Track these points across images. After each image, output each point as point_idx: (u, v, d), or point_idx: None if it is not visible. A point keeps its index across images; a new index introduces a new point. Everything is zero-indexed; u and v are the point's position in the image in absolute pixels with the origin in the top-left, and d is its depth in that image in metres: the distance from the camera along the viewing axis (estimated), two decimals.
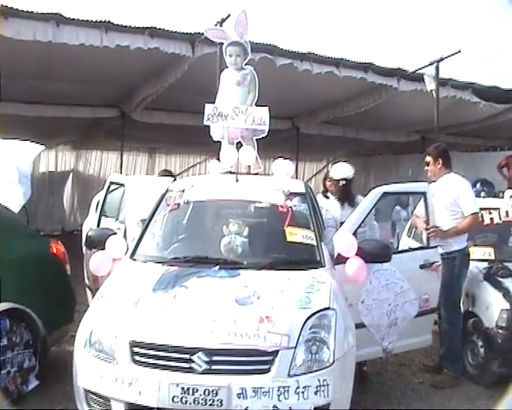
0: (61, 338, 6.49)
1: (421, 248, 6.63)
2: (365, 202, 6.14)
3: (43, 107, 13.52)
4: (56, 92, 12.56)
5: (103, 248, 5.62)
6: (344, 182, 6.99)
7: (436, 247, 6.40)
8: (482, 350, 6.50)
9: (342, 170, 7.12)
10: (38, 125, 14.09)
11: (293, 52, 11.35)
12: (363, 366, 6.38)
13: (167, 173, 9.52)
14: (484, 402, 6.09)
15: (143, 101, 13.37)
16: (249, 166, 6.51)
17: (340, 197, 7.01)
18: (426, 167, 7.01)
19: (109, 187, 7.81)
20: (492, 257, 7.19)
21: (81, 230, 10.88)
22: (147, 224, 5.80)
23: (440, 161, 6.87)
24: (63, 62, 10.47)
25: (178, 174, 20.18)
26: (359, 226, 5.97)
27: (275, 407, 4.07)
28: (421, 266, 6.20)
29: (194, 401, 4.04)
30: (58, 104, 13.67)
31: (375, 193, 6.15)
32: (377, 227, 7.13)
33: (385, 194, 6.25)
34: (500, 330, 6.27)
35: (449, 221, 6.55)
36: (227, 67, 6.57)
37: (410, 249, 7.28)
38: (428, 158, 6.96)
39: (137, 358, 4.27)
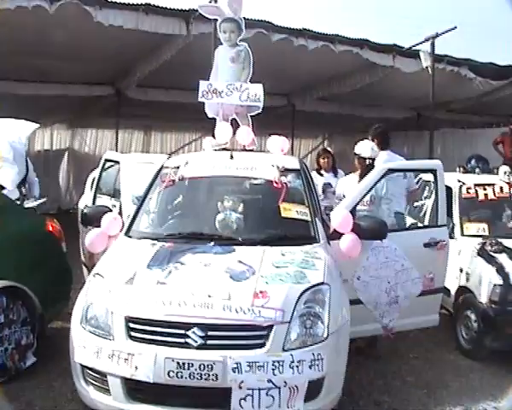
0: (57, 315, 6.53)
1: (427, 226, 6.61)
2: (368, 179, 6.15)
3: (38, 85, 13.48)
4: (51, 70, 12.54)
5: (99, 226, 5.64)
6: (370, 161, 6.92)
7: (444, 225, 6.38)
8: (475, 325, 6.56)
9: (371, 149, 7.01)
10: (33, 104, 14.01)
11: (288, 28, 11.32)
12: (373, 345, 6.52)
13: None
14: (477, 376, 6.17)
15: (139, 78, 13.32)
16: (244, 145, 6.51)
17: (363, 175, 6.93)
18: None
19: (104, 164, 7.81)
20: (486, 233, 7.22)
21: (76, 208, 10.89)
22: (142, 201, 5.82)
23: (376, 141, 7.10)
24: (58, 40, 10.41)
25: (174, 152, 20.17)
26: (358, 203, 6.00)
27: (269, 381, 4.11)
28: (426, 245, 6.15)
29: (189, 375, 4.08)
30: (53, 82, 13.61)
31: (379, 170, 6.16)
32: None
33: (389, 170, 6.26)
34: (493, 305, 6.34)
35: None
36: (221, 44, 6.55)
37: (415, 227, 7.26)
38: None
39: (133, 333, 4.30)
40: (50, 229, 6.49)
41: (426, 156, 13.19)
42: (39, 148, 20.15)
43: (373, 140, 7.17)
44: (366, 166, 6.76)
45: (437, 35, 12.36)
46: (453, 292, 7.06)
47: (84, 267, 7.43)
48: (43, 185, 19.44)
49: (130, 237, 5.45)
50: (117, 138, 16.63)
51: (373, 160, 6.84)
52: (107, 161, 7.81)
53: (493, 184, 7.85)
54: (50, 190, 19.38)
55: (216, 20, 6.84)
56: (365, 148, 6.92)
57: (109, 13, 9.71)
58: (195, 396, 4.20)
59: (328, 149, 9.80)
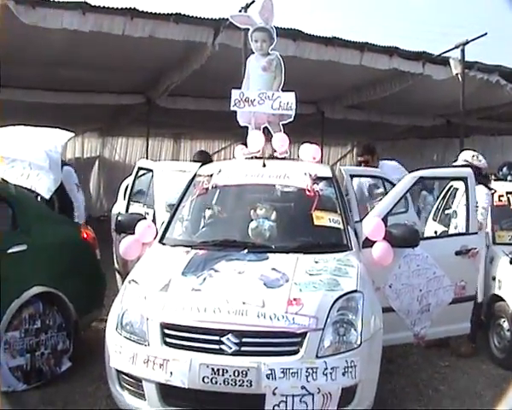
0: (91, 322, 6.64)
1: (458, 234, 6.60)
2: (400, 186, 6.16)
3: (69, 94, 13.69)
4: (82, 80, 12.71)
5: (133, 233, 5.72)
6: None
7: (475, 233, 6.36)
8: (508, 334, 6.51)
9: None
10: (65, 113, 14.23)
11: (318, 37, 11.35)
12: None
13: (203, 155, 9.38)
14: (510, 386, 6.11)
15: (169, 87, 13.43)
16: (274, 151, 6.55)
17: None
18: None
19: (138, 172, 7.89)
20: None
21: (107, 215, 10.99)
22: (175, 208, 5.88)
23: (372, 157, 7.69)
24: (89, 50, 10.60)
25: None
26: (391, 210, 6.00)
27: (303, 387, 4.14)
28: (457, 253, 6.15)
29: (224, 381, 4.13)
30: (84, 91, 13.81)
31: (411, 177, 6.17)
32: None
33: (421, 178, 6.27)
34: None
35: None
36: (253, 53, 6.61)
37: (446, 235, 7.25)
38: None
39: (168, 339, 4.36)
40: (85, 236, 6.59)
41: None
42: (70, 156, 20.38)
43: (368, 155, 7.57)
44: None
45: (467, 42, 12.28)
46: (486, 300, 7.00)
47: (117, 274, 7.50)
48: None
49: (164, 244, 5.52)
50: (147, 146, 16.76)
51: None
52: (140, 169, 7.88)
53: None
54: None
55: (246, 29, 6.90)
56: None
57: (139, 22, 9.82)
58: (229, 402, 4.23)
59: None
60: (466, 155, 7.17)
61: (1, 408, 4.44)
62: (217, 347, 4.25)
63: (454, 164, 7.09)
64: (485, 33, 12.01)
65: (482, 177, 6.74)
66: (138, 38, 9.94)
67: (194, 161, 8.07)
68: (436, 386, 6.02)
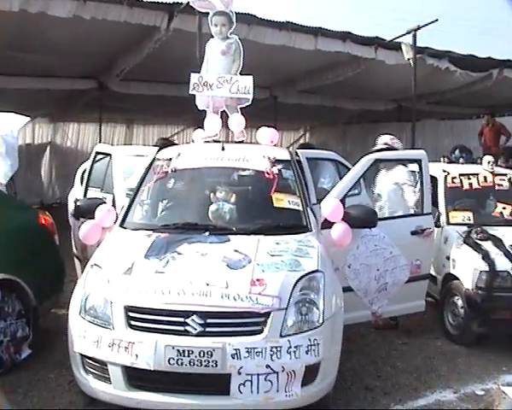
0: (51, 308, 6.57)
1: (413, 214, 6.76)
2: (356, 169, 6.26)
3: (19, 79, 13.32)
4: (33, 64, 12.42)
5: (92, 218, 5.69)
6: None
7: (430, 214, 6.54)
8: (462, 311, 6.71)
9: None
10: (15, 98, 13.90)
11: (271, 21, 11.37)
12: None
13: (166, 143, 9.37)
14: (464, 360, 6.33)
15: (122, 72, 13.25)
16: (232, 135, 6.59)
17: None
18: None
19: (95, 157, 7.83)
20: (471, 221, 7.37)
21: (60, 202, 10.85)
22: (135, 192, 5.87)
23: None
24: (39, 33, 10.39)
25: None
26: (348, 192, 6.11)
27: (268, 366, 4.22)
28: (413, 233, 6.34)
29: (189, 362, 4.17)
30: (35, 76, 13.48)
31: (366, 160, 6.28)
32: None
33: (377, 161, 6.38)
34: (479, 291, 6.48)
35: None
36: (212, 37, 6.62)
37: (402, 216, 7.42)
38: None
39: (133, 322, 4.38)
40: (43, 222, 6.52)
41: (408, 147, 13.33)
42: (21, 142, 19.98)
43: None
44: None
45: (418, 27, 12.44)
46: (440, 279, 7.20)
47: (76, 260, 7.46)
48: (26, 179, 19.42)
49: (124, 228, 5.51)
50: (100, 132, 16.58)
51: None
52: (97, 153, 7.83)
53: (477, 174, 7.99)
54: (32, 184, 19.28)
55: (201, 13, 6.91)
56: None
57: (91, 5, 9.67)
58: (195, 383, 4.28)
59: None
60: (385, 139, 7.26)
61: (1, 408, 4.40)
62: (182, 328, 4.29)
63: (375, 148, 7.17)
64: (436, 19, 12.20)
65: None
66: (90, 22, 9.77)
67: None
68: (394, 363, 6.18)
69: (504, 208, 7.56)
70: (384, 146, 7.06)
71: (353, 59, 13.32)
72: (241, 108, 6.60)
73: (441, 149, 13.74)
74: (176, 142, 9.96)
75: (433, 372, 5.97)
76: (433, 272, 7.04)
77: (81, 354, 4.54)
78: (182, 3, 9.89)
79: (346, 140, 21.96)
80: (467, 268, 6.70)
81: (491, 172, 8.04)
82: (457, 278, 6.84)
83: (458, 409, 5.22)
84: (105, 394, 4.44)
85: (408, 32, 12.74)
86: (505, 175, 8.13)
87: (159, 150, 6.43)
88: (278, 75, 15.08)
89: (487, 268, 6.48)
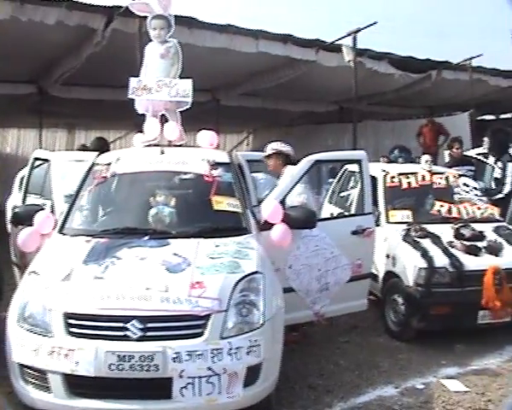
0: None
1: (354, 214, 6.81)
2: (296, 170, 6.31)
3: None
4: None
5: (31, 225, 5.58)
6: None
7: (370, 213, 6.64)
8: (403, 308, 6.83)
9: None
10: None
11: (212, 24, 11.39)
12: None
13: (101, 142, 9.41)
14: (405, 356, 6.47)
15: (62, 76, 13.06)
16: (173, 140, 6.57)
17: None
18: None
19: (34, 163, 7.69)
20: (410, 219, 7.52)
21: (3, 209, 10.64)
22: (74, 198, 5.80)
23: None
24: None
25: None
26: (288, 193, 6.13)
27: (209, 368, 4.23)
28: (354, 232, 6.42)
29: (130, 367, 4.15)
30: None
31: (307, 161, 6.33)
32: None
33: (317, 162, 6.45)
34: (419, 288, 6.63)
35: None
36: (151, 41, 6.60)
37: (342, 216, 7.49)
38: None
39: (72, 329, 4.33)
40: None
41: (350, 148, 13.51)
42: None
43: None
44: None
45: (358, 30, 12.64)
46: (381, 277, 7.32)
47: (15, 267, 7.32)
48: None
49: (64, 234, 5.43)
50: (40, 137, 16.31)
51: None
52: (36, 159, 7.70)
53: (416, 173, 8.17)
54: None
55: (143, 17, 6.86)
56: None
57: (28, 7, 9.51)
58: (137, 388, 4.26)
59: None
60: (274, 145, 7.14)
61: None
62: (122, 333, 4.26)
63: (264, 154, 7.07)
64: (376, 22, 12.42)
65: (291, 162, 6.85)
66: (27, 23, 9.60)
67: (92, 149, 7.98)
68: (337, 361, 6.27)
69: (442, 206, 7.73)
70: (273, 151, 6.98)
71: (294, 61, 13.40)
72: (180, 112, 6.58)
73: (383, 150, 13.98)
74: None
75: (374, 369, 6.07)
76: (374, 271, 7.14)
77: (20, 364, 4.46)
78: (121, 6, 9.82)
79: (288, 142, 21.92)
80: (406, 266, 6.84)
81: (429, 171, 8.23)
82: (397, 276, 6.97)
83: (399, 404, 5.30)
84: (45, 403, 4.37)
85: (348, 35, 12.93)
86: (442, 174, 8.34)
87: (98, 155, 6.37)
88: (220, 78, 15.06)
89: (426, 265, 6.63)
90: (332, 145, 18.01)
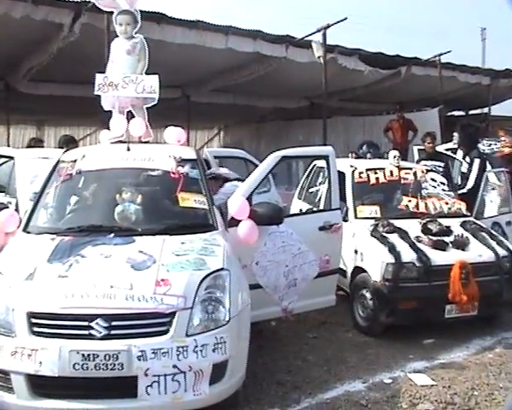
0: None
1: (321, 210, 6.80)
2: (262, 166, 6.31)
3: None
4: None
5: None
6: None
7: (338, 209, 6.65)
8: (371, 303, 6.86)
9: None
10: None
11: (182, 20, 11.33)
12: None
13: (68, 139, 9.28)
14: (373, 351, 6.49)
15: (29, 71, 12.87)
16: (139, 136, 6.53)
17: None
18: None
19: None
20: (378, 215, 7.55)
21: None
22: (39, 196, 5.74)
23: None
24: None
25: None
26: (255, 190, 6.12)
27: (175, 366, 4.22)
28: (321, 228, 6.42)
29: (95, 366, 4.12)
30: None
31: (274, 157, 6.33)
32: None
33: (284, 158, 6.44)
34: (386, 283, 6.66)
35: None
36: (117, 36, 6.54)
37: (309, 212, 7.49)
38: None
39: (36, 329, 4.28)
40: None
41: (321, 144, 13.53)
42: None
43: None
44: None
45: (328, 26, 12.64)
46: (349, 273, 7.35)
47: None
48: None
49: (28, 232, 5.38)
50: (8, 134, 16.08)
51: None
52: (0, 156, 7.62)
53: (384, 169, 8.19)
54: None
55: (110, 12, 6.80)
56: None
57: None
58: (102, 387, 4.24)
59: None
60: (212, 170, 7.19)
61: None
62: (86, 332, 4.23)
63: None
64: (346, 18, 12.44)
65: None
66: None
67: (60, 146, 7.90)
68: (305, 356, 6.26)
69: (410, 201, 7.77)
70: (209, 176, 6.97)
71: (264, 57, 13.38)
72: (148, 109, 6.54)
73: (353, 145, 13.98)
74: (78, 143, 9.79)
75: (343, 364, 6.08)
76: (342, 266, 7.16)
77: None
78: (89, 1, 9.71)
79: (260, 138, 21.96)
80: (374, 261, 6.87)
81: (397, 167, 8.26)
82: (365, 271, 7.00)
83: (366, 399, 5.32)
84: (8, 404, 4.30)
85: (318, 31, 12.94)
86: (410, 169, 8.37)
87: (64, 152, 6.31)
88: (190, 74, 14.97)
89: (393, 260, 6.66)
90: (303, 141, 17.99)
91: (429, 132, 10.62)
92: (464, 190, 8.96)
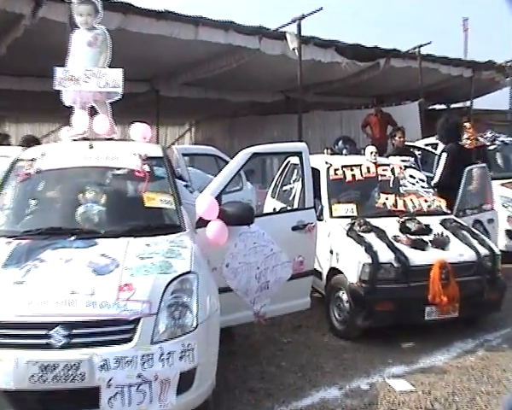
0: None
1: (294, 209, 6.60)
2: (233, 164, 6.09)
3: None
4: None
5: None
6: None
7: (312, 208, 6.42)
8: (347, 305, 6.65)
9: None
10: None
11: (149, 10, 11.05)
12: None
13: (30, 140, 8.88)
14: (350, 355, 6.29)
15: None
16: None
17: None
18: None
19: None
20: (355, 213, 7.35)
21: None
22: None
23: None
24: None
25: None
26: (224, 188, 5.90)
27: (140, 375, 4.01)
28: (294, 228, 6.20)
29: (54, 378, 3.89)
30: None
31: (244, 154, 6.10)
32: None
33: (255, 154, 6.21)
34: (363, 284, 6.46)
35: None
36: (78, 28, 6.26)
37: (282, 211, 7.27)
38: None
39: None
40: None
41: (297, 139, 13.34)
42: None
43: None
44: None
45: (303, 16, 12.45)
46: (325, 274, 7.13)
47: None
48: None
49: None
50: None
51: None
52: None
53: (360, 165, 8.01)
54: None
55: (70, 1, 6.51)
56: None
57: None
58: (62, 400, 4.01)
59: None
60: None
61: None
62: (44, 341, 3.99)
63: None
64: (321, 8, 12.25)
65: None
66: None
67: (20, 145, 7.58)
68: (279, 362, 6.06)
69: (387, 199, 7.61)
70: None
71: (237, 49, 13.18)
72: (112, 104, 6.27)
73: (331, 141, 13.82)
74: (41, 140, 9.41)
75: (318, 370, 5.89)
76: (318, 267, 6.95)
77: None
78: None
79: (233, 134, 21.68)
80: (350, 261, 6.67)
81: (375, 163, 8.08)
82: (341, 272, 6.80)
83: (343, 406, 5.13)
84: None
85: (293, 21, 12.72)
86: (388, 165, 8.19)
87: (23, 150, 6.03)
88: (159, 67, 14.67)
89: (370, 260, 6.47)
90: (278, 137, 17.79)
91: (399, 127, 10.61)
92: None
